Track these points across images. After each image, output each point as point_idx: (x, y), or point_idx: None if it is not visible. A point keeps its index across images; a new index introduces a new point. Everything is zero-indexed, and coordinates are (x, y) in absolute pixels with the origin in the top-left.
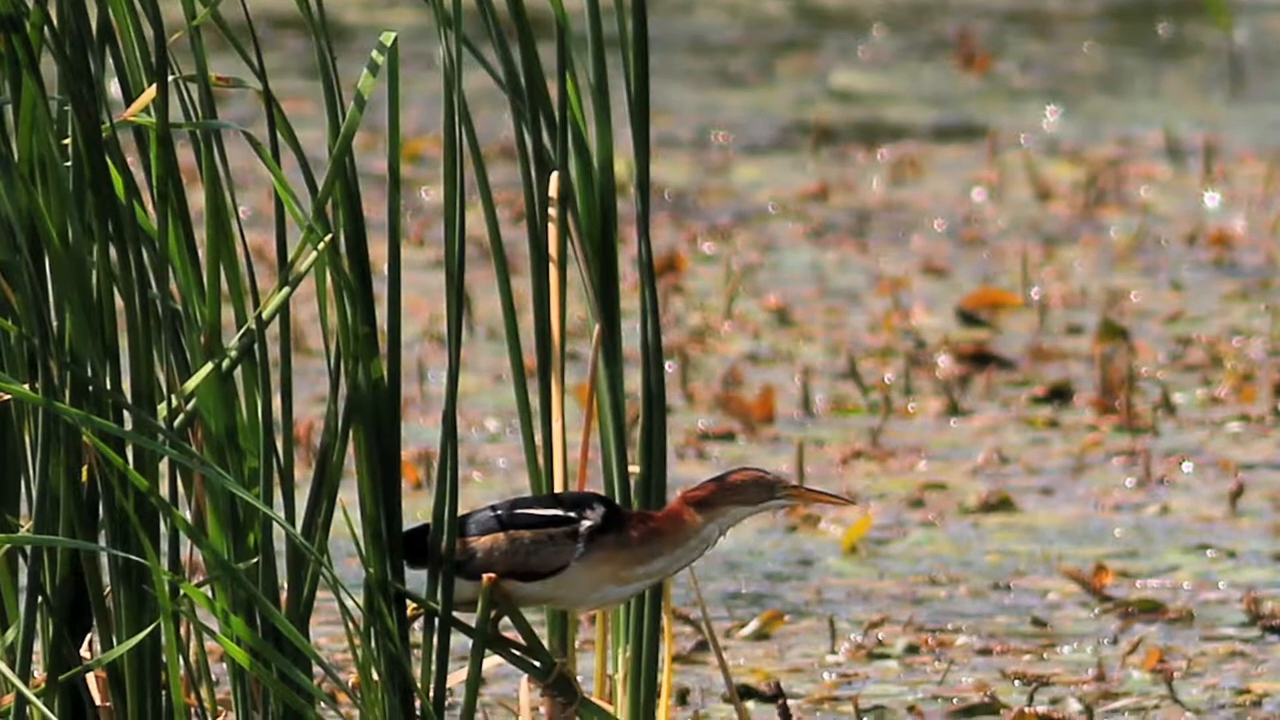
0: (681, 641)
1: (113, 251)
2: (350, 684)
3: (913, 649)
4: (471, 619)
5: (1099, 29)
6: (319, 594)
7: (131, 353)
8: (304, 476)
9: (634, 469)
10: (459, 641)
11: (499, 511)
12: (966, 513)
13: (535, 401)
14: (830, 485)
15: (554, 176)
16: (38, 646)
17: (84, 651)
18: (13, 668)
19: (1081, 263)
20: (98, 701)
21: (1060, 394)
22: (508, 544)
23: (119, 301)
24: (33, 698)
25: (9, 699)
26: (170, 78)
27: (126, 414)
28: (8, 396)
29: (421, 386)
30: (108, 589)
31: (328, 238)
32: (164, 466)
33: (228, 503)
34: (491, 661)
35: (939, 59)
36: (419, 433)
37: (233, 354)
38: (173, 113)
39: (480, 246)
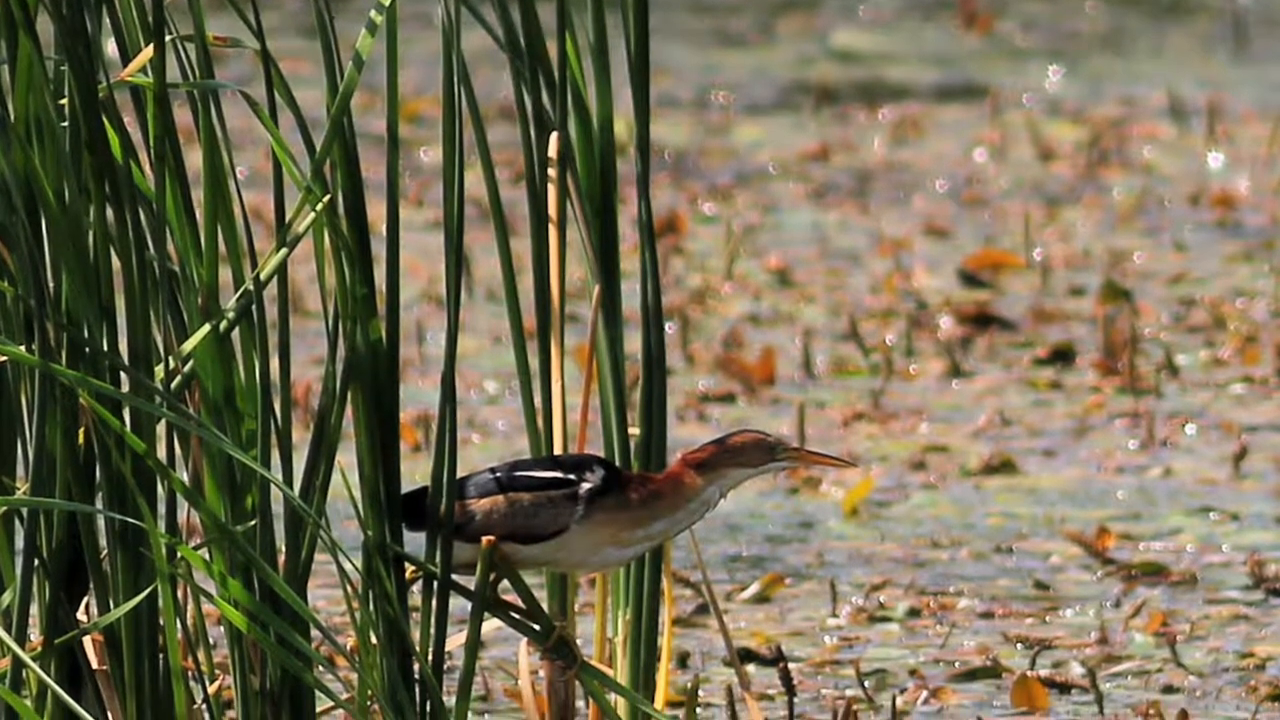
0: (682, 605)
1: (110, 212)
2: (348, 647)
3: (914, 612)
4: (470, 582)
5: None
6: (317, 557)
7: (129, 314)
8: (302, 438)
9: (634, 431)
10: (458, 605)
11: (498, 474)
12: (968, 475)
13: (535, 363)
14: (831, 447)
15: (553, 137)
16: (34, 609)
17: (81, 615)
18: (9, 631)
19: (1084, 223)
20: (94, 665)
21: (1062, 355)
22: (507, 506)
23: (116, 263)
24: (29, 661)
25: (5, 662)
26: (167, 37)
27: (124, 376)
28: (4, 358)
29: (420, 348)
30: (104, 552)
31: (326, 198)
32: (161, 428)
33: (225, 465)
34: (490, 625)
35: (940, 18)
36: (417, 394)
37: (230, 315)
38: (170, 73)
39: (479, 207)
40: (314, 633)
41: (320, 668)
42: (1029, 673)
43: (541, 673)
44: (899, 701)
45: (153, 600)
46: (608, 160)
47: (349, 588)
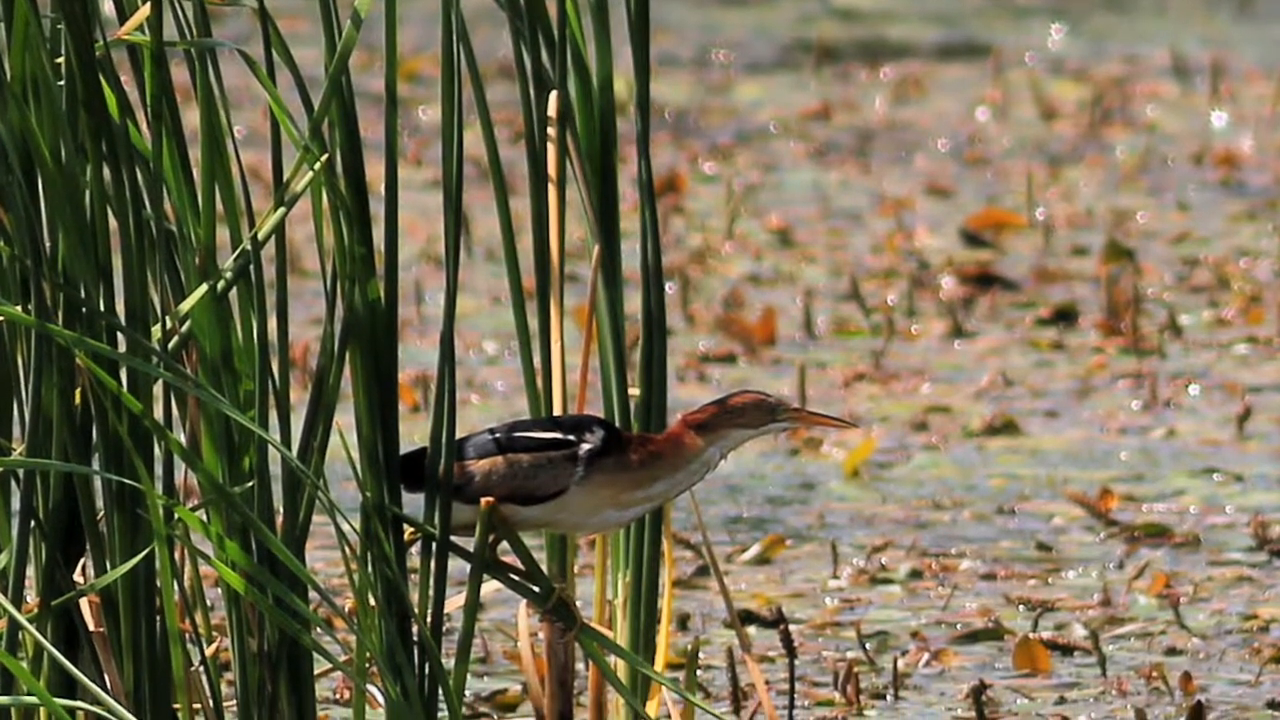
0: (682, 566)
1: (106, 172)
2: (347, 609)
3: (916, 574)
4: (469, 543)
5: None
6: (315, 518)
7: (125, 274)
8: (300, 399)
9: (634, 391)
10: (457, 566)
11: (497, 435)
12: (970, 436)
13: (534, 323)
14: (832, 408)
15: (553, 96)
16: (30, 571)
17: (77, 576)
18: (5, 593)
19: (1087, 183)
20: (91, 627)
21: (1065, 316)
22: (506, 467)
23: (113, 222)
24: (25, 623)
25: (2, 624)
26: None
27: (120, 336)
28: (1, 318)
29: (419, 308)
30: (101, 513)
31: (324, 158)
32: (158, 389)
33: (223, 426)
34: (490, 586)
35: None
36: (416, 355)
37: (228, 275)
38: (167, 31)
39: (478, 166)
40: (312, 595)
41: (318, 630)
42: (1031, 635)
43: (541, 635)
44: (900, 664)
45: (150, 562)
46: (607, 119)
47: (347, 549)
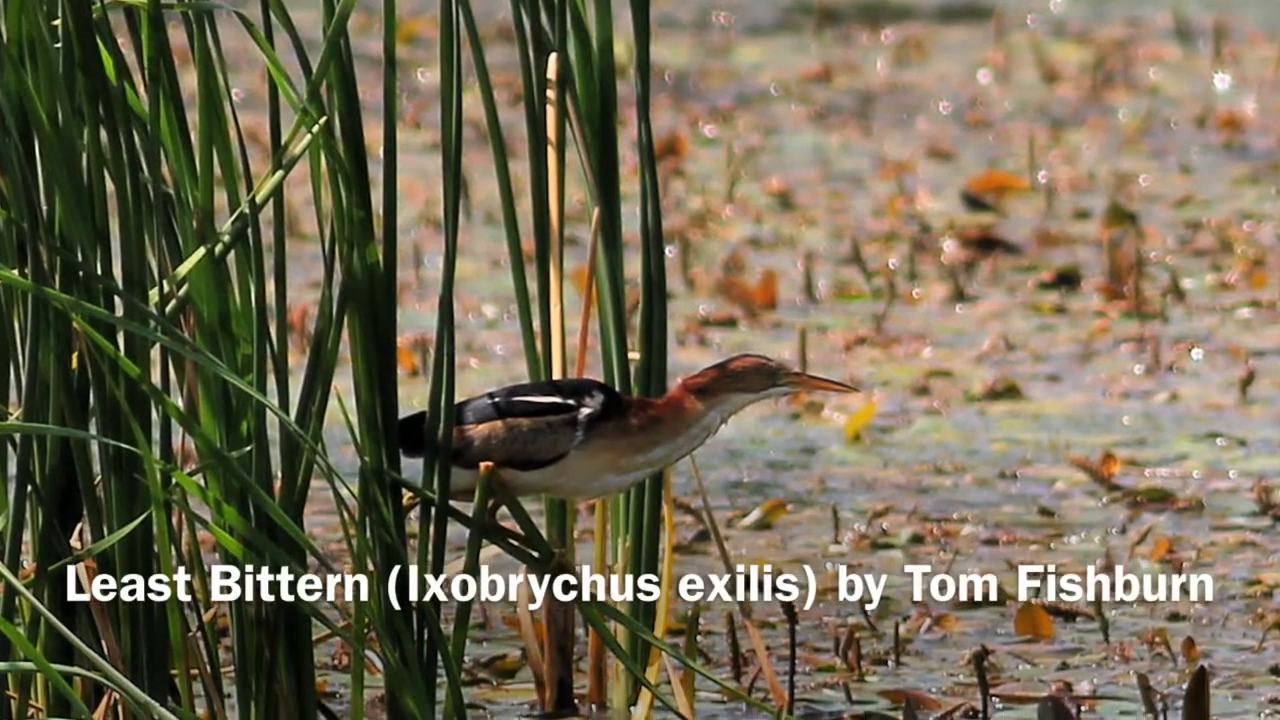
0: (682, 531)
1: (103, 134)
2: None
3: (917, 539)
4: (469, 508)
5: None
6: (313, 483)
7: (122, 237)
8: (298, 363)
9: (634, 355)
10: (456, 531)
11: (497, 399)
12: (972, 400)
13: (533, 287)
14: (833, 372)
15: (553, 58)
16: (27, 536)
17: (74, 541)
18: (1, 558)
19: (1089, 146)
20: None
21: (1068, 279)
22: (506, 432)
23: (110, 185)
24: (22, 588)
25: None
26: None
27: (117, 300)
28: None
29: (418, 272)
30: (98, 478)
31: (322, 120)
32: (156, 353)
33: (220, 390)
34: (489, 551)
35: None
36: (415, 319)
37: (225, 238)
38: None
39: (477, 129)
40: (310, 560)
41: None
42: (1033, 600)
43: (540, 600)
44: (902, 630)
45: (147, 527)
46: (607, 82)
47: (346, 514)
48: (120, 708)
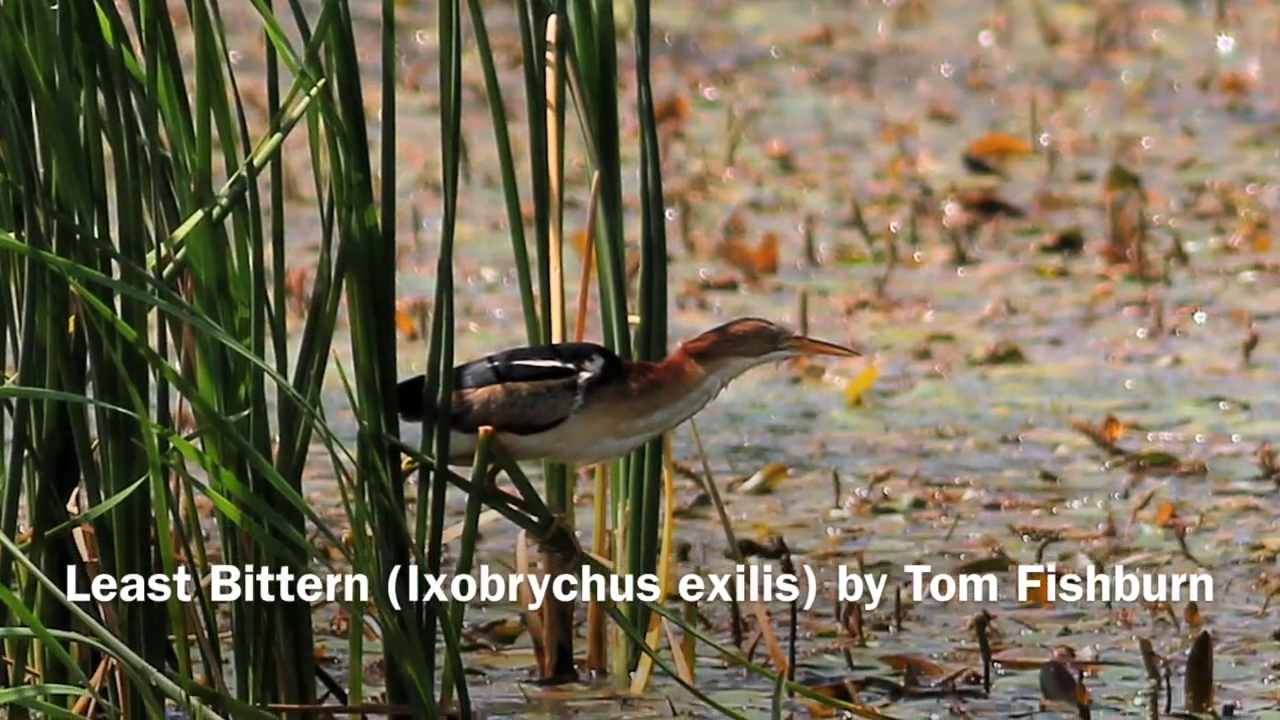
0: (682, 496)
1: (100, 97)
2: (343, 539)
3: (919, 504)
4: (468, 473)
5: None
6: (311, 447)
7: (120, 200)
8: (296, 327)
9: (634, 319)
10: (455, 496)
11: (496, 363)
12: (974, 364)
13: (533, 251)
14: (834, 336)
15: (552, 20)
16: (23, 501)
17: (71, 506)
18: None
19: (1091, 108)
20: (85, 557)
21: (1070, 242)
22: (505, 396)
23: (107, 148)
24: (18, 553)
25: None
26: None
27: (115, 263)
28: None
29: (416, 235)
30: (95, 442)
31: (320, 83)
32: (153, 317)
33: (218, 354)
34: (488, 516)
35: None
36: (414, 282)
37: (223, 202)
38: None
39: (477, 92)
40: (308, 524)
41: (315, 560)
42: (1035, 565)
43: (540, 565)
44: (903, 595)
45: (144, 491)
46: (607, 44)
47: (344, 479)
48: (117, 674)
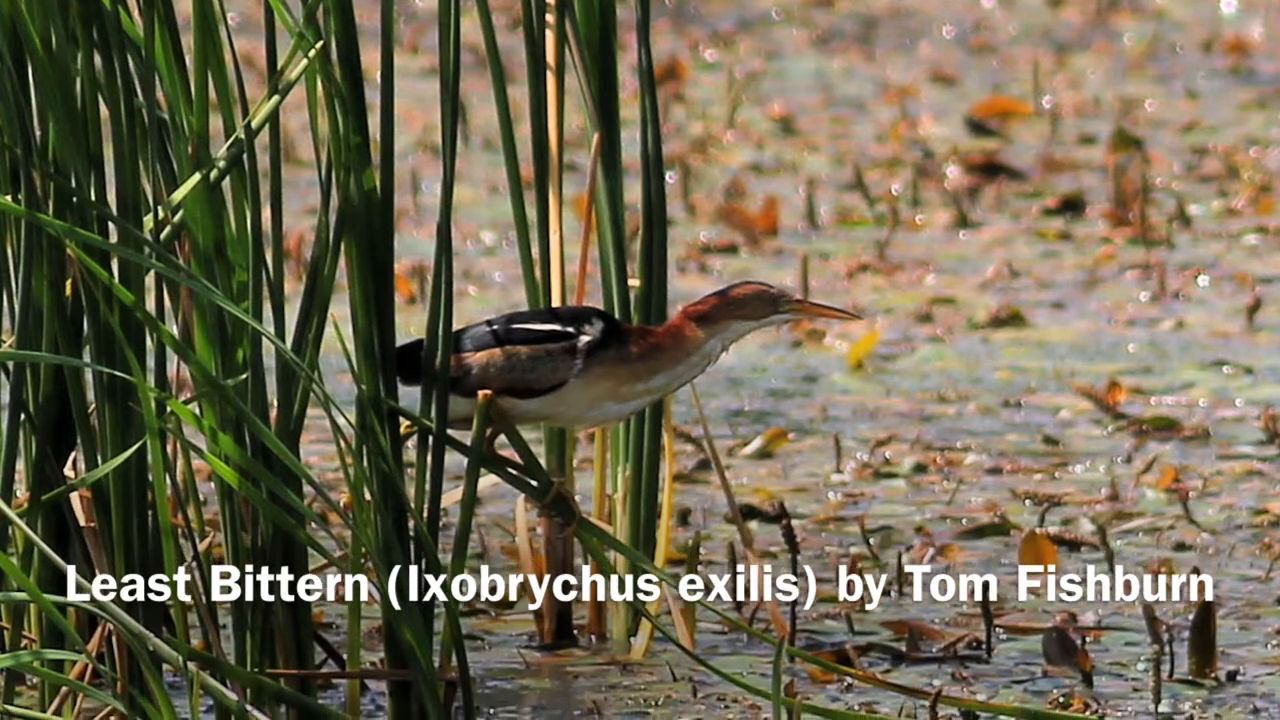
0: (682, 460)
1: (97, 59)
2: (342, 504)
3: (920, 468)
4: (467, 437)
5: None
6: (310, 411)
7: (117, 163)
8: (294, 290)
9: (634, 283)
10: (454, 460)
11: (495, 327)
12: (976, 328)
13: (532, 213)
14: (836, 299)
15: None
16: (20, 465)
17: (68, 470)
18: None
19: (1094, 70)
20: (82, 522)
21: (1072, 205)
22: (504, 360)
23: (104, 110)
24: (15, 518)
25: None
26: None
27: (112, 226)
28: None
29: (415, 198)
30: (92, 406)
31: (319, 44)
32: (150, 280)
33: (216, 317)
34: (487, 481)
35: None
36: (413, 245)
37: (221, 164)
38: None
39: (476, 54)
40: (306, 489)
41: (313, 525)
42: (1038, 530)
43: (539, 530)
44: (904, 559)
45: (141, 456)
46: (607, 5)
47: (342, 443)
48: (114, 639)
